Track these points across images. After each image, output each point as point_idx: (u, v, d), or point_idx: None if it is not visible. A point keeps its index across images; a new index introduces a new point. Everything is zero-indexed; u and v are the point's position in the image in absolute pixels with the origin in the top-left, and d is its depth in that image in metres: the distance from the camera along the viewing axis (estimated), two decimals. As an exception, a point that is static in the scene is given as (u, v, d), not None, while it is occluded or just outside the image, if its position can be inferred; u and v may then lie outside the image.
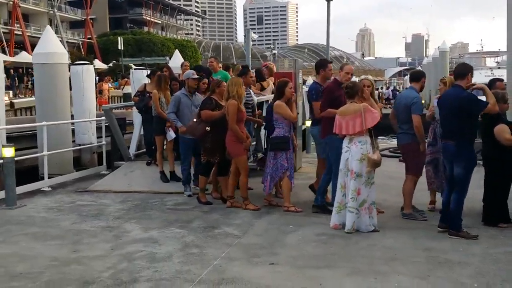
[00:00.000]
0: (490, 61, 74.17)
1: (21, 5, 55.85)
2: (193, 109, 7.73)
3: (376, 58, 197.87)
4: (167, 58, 51.91)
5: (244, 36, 27.41)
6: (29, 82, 28.78)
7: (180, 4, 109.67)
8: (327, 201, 7.07)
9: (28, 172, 10.55)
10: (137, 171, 9.84)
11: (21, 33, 54.85)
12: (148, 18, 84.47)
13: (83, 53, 61.70)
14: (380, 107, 7.39)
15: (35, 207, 7.70)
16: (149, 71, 11.61)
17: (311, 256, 5.22)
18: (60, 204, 7.91)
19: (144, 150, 10.90)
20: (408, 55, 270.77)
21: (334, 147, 6.43)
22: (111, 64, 54.92)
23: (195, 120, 7.35)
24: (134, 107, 10.82)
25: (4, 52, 47.53)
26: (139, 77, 15.98)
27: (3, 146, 7.78)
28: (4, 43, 51.63)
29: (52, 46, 10.82)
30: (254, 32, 27.56)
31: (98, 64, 49.51)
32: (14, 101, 21.78)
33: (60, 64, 10.88)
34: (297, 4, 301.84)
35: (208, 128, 7.18)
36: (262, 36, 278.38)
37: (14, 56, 47.59)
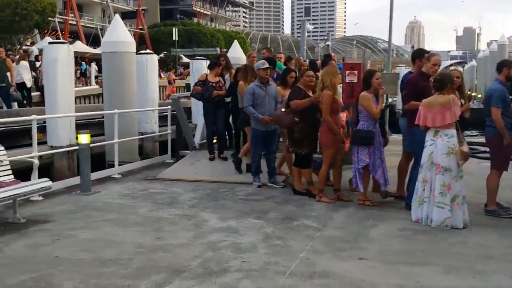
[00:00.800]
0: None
1: (75, -6, 57.15)
2: (268, 99, 7.67)
3: (347, 50, 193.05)
4: (218, 49, 52.39)
5: (299, 27, 27.31)
6: (78, 71, 29.42)
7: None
8: (401, 195, 6.91)
9: (93, 159, 10.74)
10: (203, 160, 9.86)
11: (75, 23, 56.15)
12: (198, 9, 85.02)
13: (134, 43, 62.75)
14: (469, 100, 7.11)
15: (110, 194, 7.81)
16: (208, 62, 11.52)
17: (399, 252, 5.07)
18: (133, 191, 8.00)
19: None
20: (458, 49, 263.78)
21: (419, 140, 6.21)
22: (162, 55, 55.64)
23: (283, 109, 7.26)
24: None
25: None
26: (199, 67, 16.11)
27: (79, 132, 7.91)
28: (59, 32, 52.93)
29: (120, 35, 10.96)
30: (310, 23, 27.28)
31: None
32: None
33: (128, 53, 11.01)
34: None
35: (296, 119, 7.06)
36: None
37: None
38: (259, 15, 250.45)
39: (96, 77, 28.21)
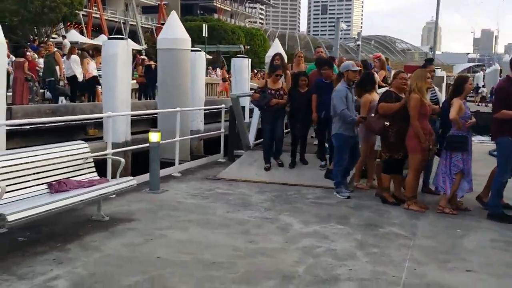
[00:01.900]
0: None
1: (99, -12, 57.36)
2: (352, 104, 7.54)
3: (442, 52, 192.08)
4: (241, 46, 52.31)
5: (334, 26, 27.22)
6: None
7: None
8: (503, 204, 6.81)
9: (137, 156, 10.68)
10: (260, 160, 9.80)
11: (98, 16, 56.38)
12: (218, 5, 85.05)
13: (155, 38, 62.86)
14: None
15: (179, 193, 7.80)
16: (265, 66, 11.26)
17: (505, 264, 5.00)
18: (200, 191, 7.99)
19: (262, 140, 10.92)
20: (476, 51, 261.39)
21: (507, 153, 6.12)
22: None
23: (373, 114, 7.18)
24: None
25: (82, 34, 48.92)
26: (240, 65, 16.10)
27: (150, 130, 7.91)
28: (83, 25, 53.20)
29: (178, 32, 10.95)
30: (342, 21, 27.13)
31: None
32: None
33: (184, 50, 11.00)
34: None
35: (387, 123, 6.96)
36: (326, 26, 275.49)
37: (92, 38, 48.94)
38: (275, 12, 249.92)
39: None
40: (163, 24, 66.34)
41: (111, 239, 5.49)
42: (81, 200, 5.45)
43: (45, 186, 5.62)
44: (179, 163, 9.52)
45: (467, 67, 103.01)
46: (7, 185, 4.98)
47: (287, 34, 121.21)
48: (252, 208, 6.95)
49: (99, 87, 16.42)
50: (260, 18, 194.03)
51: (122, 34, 58.90)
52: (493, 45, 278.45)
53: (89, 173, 6.31)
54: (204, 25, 51.84)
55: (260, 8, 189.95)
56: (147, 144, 8.00)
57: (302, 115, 8.88)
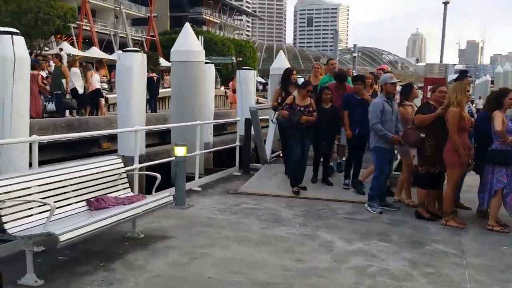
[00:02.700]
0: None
1: (90, 0, 57.06)
2: (392, 116, 7.40)
3: (427, 64, 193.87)
4: (233, 58, 52.28)
5: (332, 37, 27.25)
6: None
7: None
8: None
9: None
10: (280, 174, 9.68)
11: (89, 28, 56.04)
12: (207, 17, 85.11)
13: (146, 50, 62.65)
14: None
15: (205, 208, 7.61)
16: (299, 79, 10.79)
17: None
18: (226, 205, 7.79)
19: (278, 153, 10.78)
20: (461, 62, 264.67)
21: None
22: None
23: (409, 126, 7.05)
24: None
25: (73, 46, 48.59)
26: (246, 78, 15.99)
27: (176, 144, 7.72)
28: (74, 37, 52.82)
29: (192, 44, 10.81)
30: (338, 31, 27.17)
31: (163, 62, 49.98)
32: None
33: (198, 62, 10.85)
34: (348, 7, 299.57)
35: (422, 135, 6.84)
36: (312, 38, 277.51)
37: (83, 50, 48.63)
38: (261, 24, 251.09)
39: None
40: (152, 36, 66.80)
41: (154, 258, 5.27)
42: (125, 218, 5.24)
43: (84, 203, 5.41)
44: (199, 177, 9.31)
45: (453, 78, 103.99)
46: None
47: (275, 46, 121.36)
48: (286, 224, 6.77)
49: (102, 99, 16.22)
50: (247, 30, 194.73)
51: (112, 47, 58.97)
52: (478, 56, 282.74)
53: (124, 189, 6.12)
54: (200, 37, 51.58)
55: (247, 20, 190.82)
56: (172, 158, 7.81)
57: (327, 132, 8.63)
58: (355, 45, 31.74)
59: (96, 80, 15.77)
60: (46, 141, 6.31)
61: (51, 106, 14.34)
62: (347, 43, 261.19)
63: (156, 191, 6.29)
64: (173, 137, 10.99)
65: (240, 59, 56.67)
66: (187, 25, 11.63)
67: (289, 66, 15.64)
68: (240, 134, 14.52)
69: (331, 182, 8.99)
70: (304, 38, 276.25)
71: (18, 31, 6.81)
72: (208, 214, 7.24)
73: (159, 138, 13.70)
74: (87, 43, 55.45)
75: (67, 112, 14.01)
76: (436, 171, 7.00)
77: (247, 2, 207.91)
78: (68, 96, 13.70)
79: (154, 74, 20.02)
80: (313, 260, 5.34)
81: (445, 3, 18.06)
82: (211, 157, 13.51)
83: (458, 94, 6.61)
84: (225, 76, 50.12)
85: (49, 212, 4.86)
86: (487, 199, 6.76)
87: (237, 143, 11.27)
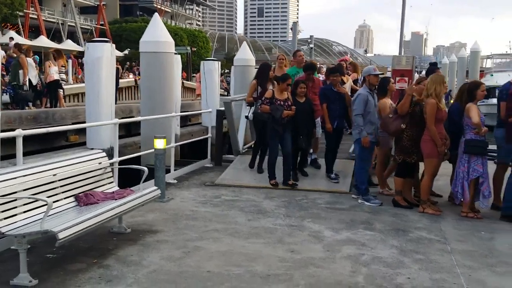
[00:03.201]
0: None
1: (36, -12, 55.12)
2: (374, 108, 7.49)
3: (375, 54, 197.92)
4: (188, 48, 51.67)
5: (291, 28, 27.31)
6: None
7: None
8: (498, 205, 7.00)
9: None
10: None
11: (36, 16, 54.15)
12: (159, 6, 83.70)
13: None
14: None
15: (186, 201, 7.56)
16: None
17: (549, 266, 5.13)
18: (207, 198, 7.76)
19: (250, 145, 10.80)
20: (406, 53, 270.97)
21: None
22: (126, 52, 54.31)
23: (390, 115, 7.17)
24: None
25: (19, 35, 46.90)
26: (210, 68, 15.90)
27: (155, 137, 7.60)
28: (20, 26, 50.96)
29: (162, 34, 10.63)
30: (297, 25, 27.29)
31: (116, 52, 48.86)
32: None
33: (168, 53, 10.70)
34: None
35: (403, 126, 6.98)
36: (262, 29, 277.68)
37: (31, 40, 46.98)
38: (212, 14, 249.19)
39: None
40: (102, 24, 65.14)
41: (147, 253, 5.21)
42: (119, 212, 5.15)
43: (72, 199, 5.28)
44: (174, 170, 9.22)
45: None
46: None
47: (227, 36, 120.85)
48: (270, 216, 6.81)
49: (61, 91, 15.74)
50: (198, 20, 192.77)
51: (60, 35, 57.23)
52: (422, 47, 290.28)
53: (109, 183, 6.00)
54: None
55: (197, 10, 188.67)
56: (151, 150, 7.72)
57: (305, 126, 8.49)
58: (311, 36, 31.95)
59: (55, 71, 15.27)
60: (29, 134, 6.05)
61: (5, 98, 13.82)
62: (299, 32, 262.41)
63: (131, 185, 6.20)
64: (144, 129, 10.80)
65: (195, 49, 56.11)
66: (156, 15, 11.40)
67: (252, 57, 15.73)
68: (205, 125, 14.51)
69: (306, 172, 9.07)
70: (255, 28, 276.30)
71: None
72: (191, 207, 7.20)
73: (125, 131, 13.46)
74: (33, 32, 53.55)
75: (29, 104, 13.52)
76: (412, 161, 7.20)
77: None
78: (25, 88, 13.20)
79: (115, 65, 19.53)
80: (307, 251, 5.40)
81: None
82: (178, 149, 13.35)
83: (437, 85, 6.80)
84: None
85: (39, 209, 4.76)
86: (460, 189, 6.94)
87: (209, 134, 11.22)
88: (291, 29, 24.58)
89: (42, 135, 9.97)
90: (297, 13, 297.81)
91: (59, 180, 5.18)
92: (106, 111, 9.86)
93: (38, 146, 9.63)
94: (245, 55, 15.33)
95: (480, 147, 6.67)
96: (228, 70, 42.52)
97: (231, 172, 9.45)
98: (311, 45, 29.23)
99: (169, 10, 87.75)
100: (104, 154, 6.07)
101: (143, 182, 6.16)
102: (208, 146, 11.07)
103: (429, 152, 6.88)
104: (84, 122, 12.54)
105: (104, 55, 9.71)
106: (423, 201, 7.10)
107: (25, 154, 9.32)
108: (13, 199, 4.51)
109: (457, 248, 5.60)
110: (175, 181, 8.95)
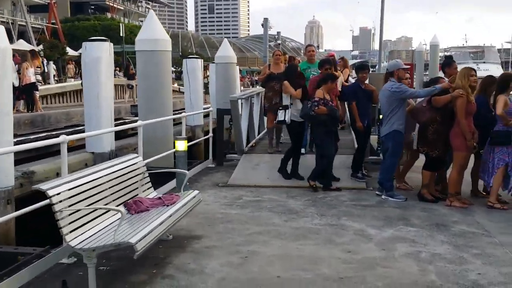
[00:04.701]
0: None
1: (-17, -14, 53.06)
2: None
3: (325, 50, 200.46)
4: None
5: (262, 25, 27.23)
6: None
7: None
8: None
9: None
10: (262, 164, 9.60)
11: (-16, 15, 52.12)
12: (111, 4, 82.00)
13: (47, 38, 59.11)
14: None
15: (209, 203, 7.34)
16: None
17: None
18: (229, 200, 7.58)
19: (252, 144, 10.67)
20: (355, 48, 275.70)
21: None
22: (81, 51, 52.81)
23: (424, 105, 7.15)
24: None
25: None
26: (192, 66, 15.66)
27: (176, 139, 7.39)
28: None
29: (159, 32, 10.32)
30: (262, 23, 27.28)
31: (70, 51, 47.36)
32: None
33: (166, 52, 10.41)
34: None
35: (439, 118, 7.01)
36: (214, 26, 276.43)
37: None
38: (162, 10, 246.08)
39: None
40: (53, 23, 63.13)
41: (203, 260, 5.02)
42: (177, 218, 4.97)
43: (122, 207, 5.01)
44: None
45: (352, 64, 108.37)
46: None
47: (180, 33, 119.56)
48: (304, 215, 6.70)
49: (37, 92, 15.14)
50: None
51: (11, 35, 55.11)
52: (371, 42, 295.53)
53: (148, 188, 5.75)
54: (121, 24, 49.70)
55: (147, 7, 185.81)
56: (172, 151, 7.48)
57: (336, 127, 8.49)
58: (278, 33, 32.10)
59: (31, 73, 14.66)
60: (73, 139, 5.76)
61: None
62: (248, 30, 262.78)
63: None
64: (145, 131, 10.44)
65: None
66: (152, 13, 11.05)
67: (234, 54, 15.59)
68: (189, 124, 14.24)
69: (301, 176, 8.72)
70: (206, 25, 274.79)
71: None
72: (218, 210, 7.01)
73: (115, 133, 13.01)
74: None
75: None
76: (433, 155, 7.24)
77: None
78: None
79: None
80: (363, 251, 5.32)
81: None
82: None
83: (465, 78, 6.85)
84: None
85: (97, 219, 4.50)
86: (488, 178, 7.05)
87: (211, 134, 11.01)
88: (262, 25, 24.46)
89: (41, 139, 9.54)
90: (248, 10, 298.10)
91: (107, 189, 4.91)
92: (107, 114, 9.51)
93: (35, 152, 9.19)
94: (226, 53, 15.20)
95: (502, 137, 6.78)
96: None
97: (241, 172, 9.27)
98: (279, 41, 29.32)
99: (122, 8, 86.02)
100: (140, 158, 5.82)
101: (182, 186, 5.94)
102: (210, 146, 10.86)
103: (459, 146, 6.93)
104: (78, 125, 12.13)
105: (103, 56, 9.35)
106: (450, 194, 7.15)
107: (29, 159, 9.02)
108: (75, 210, 4.23)
109: (506, 241, 5.64)
110: (187, 183, 8.69)
